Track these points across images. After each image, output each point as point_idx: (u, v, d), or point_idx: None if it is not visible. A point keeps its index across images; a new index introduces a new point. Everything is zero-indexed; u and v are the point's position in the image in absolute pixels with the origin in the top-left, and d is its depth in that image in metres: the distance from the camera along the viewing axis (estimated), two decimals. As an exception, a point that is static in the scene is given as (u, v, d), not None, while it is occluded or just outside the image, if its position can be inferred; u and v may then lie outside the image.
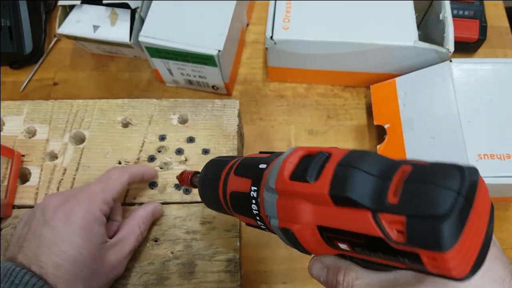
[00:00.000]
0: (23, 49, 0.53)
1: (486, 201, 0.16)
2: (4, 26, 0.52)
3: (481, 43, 0.53)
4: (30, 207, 0.41)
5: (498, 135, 0.41)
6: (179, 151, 0.43)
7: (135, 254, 0.39)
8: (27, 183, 0.42)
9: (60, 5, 0.49)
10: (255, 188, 0.22)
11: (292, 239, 0.19)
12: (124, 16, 0.48)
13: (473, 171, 0.15)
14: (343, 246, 0.17)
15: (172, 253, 0.39)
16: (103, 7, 0.49)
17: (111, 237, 0.35)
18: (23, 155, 0.43)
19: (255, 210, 0.22)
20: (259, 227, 0.24)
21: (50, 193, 0.41)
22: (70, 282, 0.30)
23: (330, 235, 0.18)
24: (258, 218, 0.22)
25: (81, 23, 0.49)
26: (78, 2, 0.49)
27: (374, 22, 0.47)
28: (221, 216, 0.40)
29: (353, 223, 0.16)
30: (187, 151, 0.43)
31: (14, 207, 0.41)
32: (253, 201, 0.22)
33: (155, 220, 0.40)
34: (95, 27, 0.48)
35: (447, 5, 0.47)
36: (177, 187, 0.41)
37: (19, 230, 0.34)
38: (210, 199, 0.29)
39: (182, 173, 0.35)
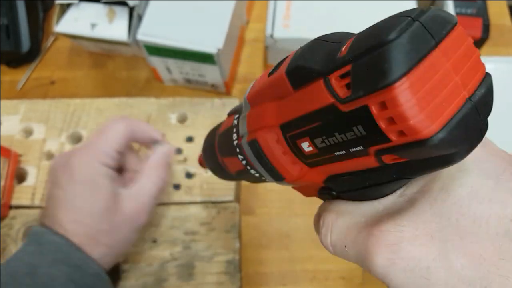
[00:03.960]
0: (20, 47, 0.53)
1: (468, 54, 0.13)
2: (1, 25, 0.52)
3: (484, 41, 0.52)
4: (27, 207, 0.41)
5: (500, 134, 0.41)
6: (178, 151, 0.43)
7: (134, 255, 0.38)
8: (24, 183, 0.42)
9: (57, 3, 0.48)
10: (237, 116, 0.21)
11: (259, 154, 0.17)
12: (122, 14, 0.48)
13: (450, 15, 0.13)
14: (305, 145, 0.15)
15: (171, 254, 0.38)
16: (101, 5, 0.48)
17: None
18: (20, 155, 0.43)
19: (235, 139, 0.20)
20: (245, 171, 0.21)
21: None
22: (91, 235, 0.31)
23: (292, 134, 0.16)
24: (238, 150, 0.20)
25: (79, 21, 0.48)
26: (76, 1, 0.48)
27: (376, 20, 0.46)
28: (221, 217, 0.40)
29: (309, 101, 0.14)
30: (186, 151, 0.43)
31: (11, 207, 0.41)
32: (234, 130, 0.21)
33: (153, 221, 0.40)
34: (93, 25, 0.48)
35: (450, 3, 0.46)
36: (176, 187, 0.41)
37: (46, 193, 0.35)
38: (214, 166, 0.27)
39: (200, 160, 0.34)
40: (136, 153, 0.39)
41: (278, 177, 0.18)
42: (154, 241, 0.39)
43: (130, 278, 0.37)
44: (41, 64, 0.55)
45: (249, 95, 0.18)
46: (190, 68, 0.48)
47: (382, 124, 0.12)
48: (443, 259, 0.14)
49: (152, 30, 0.45)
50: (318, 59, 0.14)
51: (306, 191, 0.20)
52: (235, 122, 0.21)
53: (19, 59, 0.54)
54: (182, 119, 0.45)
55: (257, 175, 0.21)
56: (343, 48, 0.13)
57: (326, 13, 0.47)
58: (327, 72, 0.13)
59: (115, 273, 0.37)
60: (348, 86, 0.13)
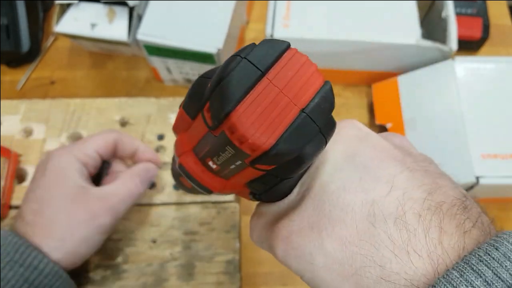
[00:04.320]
0: (20, 47, 0.53)
1: (301, 73, 0.15)
2: (1, 25, 0.52)
3: (484, 41, 0.52)
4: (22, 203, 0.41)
5: (501, 134, 0.41)
6: (178, 151, 0.43)
7: (133, 255, 0.38)
8: (24, 183, 0.42)
9: (57, 4, 0.48)
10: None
11: (187, 174, 0.20)
12: (122, 14, 0.48)
13: (280, 42, 0.15)
14: (211, 164, 0.18)
15: (171, 254, 0.38)
16: (101, 5, 0.48)
17: None
18: (20, 155, 0.43)
19: (176, 164, 0.23)
20: (193, 188, 0.24)
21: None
22: (46, 226, 0.31)
23: (200, 156, 0.18)
24: (181, 171, 0.23)
25: (79, 21, 0.48)
26: (76, 0, 0.48)
27: (376, 20, 0.46)
28: (221, 217, 0.40)
29: (198, 130, 0.17)
30: (186, 151, 0.43)
31: (11, 207, 0.41)
32: (175, 155, 0.23)
33: (153, 221, 0.40)
34: (93, 25, 0.48)
35: (450, 3, 0.46)
36: (175, 187, 0.41)
37: None
38: (183, 187, 0.29)
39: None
40: (125, 163, 0.39)
41: (207, 190, 0.20)
42: (154, 241, 0.39)
43: (130, 278, 0.37)
44: (41, 64, 0.55)
45: (173, 126, 0.21)
46: (190, 68, 0.48)
47: (237, 143, 0.15)
48: (320, 245, 0.17)
49: (152, 30, 0.45)
50: (197, 95, 0.17)
51: (244, 196, 0.23)
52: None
53: (19, 59, 0.54)
54: (182, 119, 0.45)
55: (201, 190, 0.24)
56: (209, 84, 0.16)
57: (326, 14, 0.47)
58: (201, 106, 0.16)
59: (76, 276, 0.35)
60: (211, 118, 0.15)
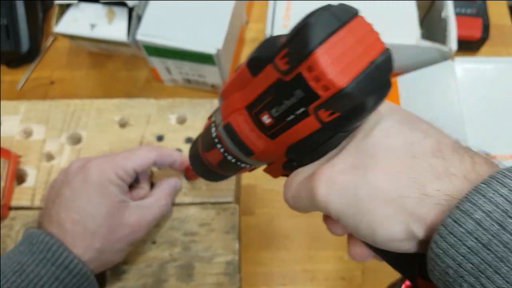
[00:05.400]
0: (20, 47, 0.53)
1: (369, 34, 0.18)
2: (1, 25, 0.52)
3: (484, 41, 0.52)
4: (27, 208, 0.41)
5: (501, 134, 0.41)
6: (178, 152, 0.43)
7: (133, 256, 0.38)
8: (24, 184, 0.42)
9: (57, 4, 0.48)
10: (214, 114, 0.25)
11: (232, 133, 0.22)
12: (121, 15, 0.48)
13: (352, 8, 0.18)
14: (265, 118, 0.20)
15: (170, 255, 0.38)
16: (100, 6, 0.48)
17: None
18: (19, 156, 0.43)
19: (214, 132, 0.24)
20: (223, 160, 0.25)
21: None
22: (87, 238, 0.32)
23: (255, 111, 0.20)
24: (217, 140, 0.24)
25: (78, 21, 0.48)
26: (75, 1, 0.48)
27: (376, 20, 0.46)
28: (220, 217, 0.40)
29: (263, 81, 0.19)
30: (186, 151, 0.43)
31: (11, 208, 0.41)
32: (212, 125, 0.25)
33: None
34: (92, 26, 0.48)
35: (449, 3, 0.46)
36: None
37: (46, 194, 0.36)
38: (200, 168, 0.30)
39: (185, 172, 0.38)
40: (148, 173, 0.40)
41: (248, 152, 0.22)
42: (154, 242, 0.39)
43: (130, 279, 0.37)
44: (41, 64, 0.55)
45: (222, 91, 0.23)
46: (189, 69, 0.48)
47: (312, 83, 0.17)
48: (365, 179, 0.19)
49: (152, 31, 0.45)
50: (267, 49, 0.19)
51: (273, 171, 0.25)
52: (213, 118, 0.25)
53: (19, 59, 0.54)
54: (182, 120, 0.45)
55: (233, 160, 0.24)
56: (282, 38, 0.18)
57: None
58: (273, 56, 0.18)
59: (101, 278, 0.37)
60: (287, 62, 0.17)
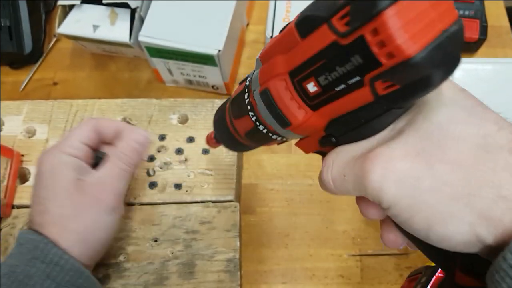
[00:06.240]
0: (22, 49, 0.53)
1: (442, 1, 0.15)
2: (3, 26, 0.52)
3: (482, 43, 0.52)
4: (30, 207, 0.41)
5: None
6: (179, 151, 0.43)
7: (135, 254, 0.39)
8: (27, 183, 0.42)
9: (60, 5, 0.49)
10: (248, 78, 0.23)
11: (269, 101, 0.20)
12: (124, 16, 0.48)
13: None
14: (311, 86, 0.18)
15: (172, 253, 0.39)
16: (103, 7, 0.49)
17: None
18: (22, 155, 0.43)
19: (247, 98, 0.23)
20: (253, 129, 0.23)
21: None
22: (56, 223, 0.32)
23: (299, 78, 0.18)
24: (249, 107, 0.22)
25: (81, 22, 0.49)
26: (78, 2, 0.49)
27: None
28: (221, 216, 0.40)
29: (315, 44, 0.17)
30: (187, 151, 0.43)
31: (13, 207, 0.41)
32: (246, 90, 0.23)
33: (154, 220, 0.40)
34: (95, 27, 0.48)
35: (447, 5, 0.47)
36: (176, 186, 0.41)
37: None
38: (224, 134, 0.28)
39: (207, 138, 0.35)
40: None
41: (284, 123, 0.20)
42: (155, 240, 0.39)
43: (132, 277, 0.38)
44: (44, 65, 0.56)
45: (261, 54, 0.21)
46: (191, 70, 0.48)
47: (375, 49, 0.15)
48: (428, 169, 0.17)
49: (154, 32, 0.45)
50: (322, 8, 0.16)
51: (307, 146, 0.23)
52: (247, 83, 0.23)
53: (22, 60, 0.55)
54: (183, 120, 0.45)
55: (264, 131, 0.22)
56: None
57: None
58: (330, 16, 0.16)
59: (103, 276, 0.37)
60: (347, 23, 0.15)
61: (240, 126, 0.24)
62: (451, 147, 0.17)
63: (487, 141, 0.17)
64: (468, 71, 0.44)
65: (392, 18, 0.14)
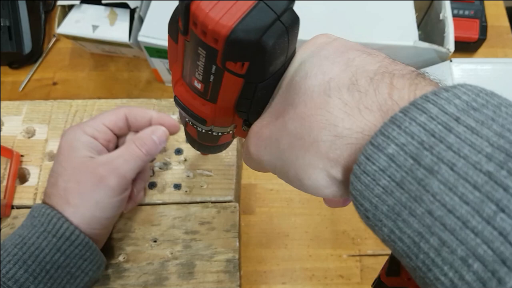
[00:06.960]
0: (22, 49, 0.53)
1: None
2: (3, 26, 0.52)
3: (482, 43, 0.52)
4: (29, 207, 0.41)
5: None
6: (179, 151, 0.43)
7: (135, 254, 0.39)
8: (26, 183, 0.42)
9: (59, 5, 0.49)
10: None
11: (181, 105, 0.21)
12: (123, 16, 0.48)
13: None
14: (196, 83, 0.19)
15: (171, 253, 0.39)
16: (102, 7, 0.49)
17: None
18: (22, 155, 0.43)
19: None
20: (196, 131, 0.25)
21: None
22: (61, 195, 0.33)
23: (188, 80, 0.20)
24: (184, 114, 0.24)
25: (80, 23, 0.49)
26: (77, 2, 0.49)
27: (374, 22, 0.47)
28: (221, 216, 0.40)
29: (180, 46, 0.19)
30: (187, 151, 0.43)
31: (13, 207, 0.41)
32: None
33: (154, 221, 0.40)
34: (94, 27, 0.48)
35: (447, 5, 0.47)
36: (176, 187, 0.41)
37: None
38: (194, 144, 0.30)
39: None
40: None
41: (201, 121, 0.21)
42: (155, 241, 0.39)
43: (131, 277, 0.38)
44: (43, 65, 0.56)
45: (168, 65, 0.23)
46: (190, 69, 0.48)
47: (203, 38, 0.16)
48: (283, 128, 0.18)
49: (153, 32, 0.45)
50: (175, 13, 0.19)
51: (241, 133, 0.24)
52: None
53: (21, 60, 0.55)
54: (183, 120, 0.45)
55: (203, 131, 0.24)
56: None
57: (324, 15, 0.48)
58: (177, 19, 0.18)
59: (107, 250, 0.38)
60: (182, 21, 0.17)
61: (191, 131, 0.26)
62: (300, 102, 0.18)
63: (330, 85, 0.17)
64: (468, 71, 0.44)
65: (198, 7, 0.15)
